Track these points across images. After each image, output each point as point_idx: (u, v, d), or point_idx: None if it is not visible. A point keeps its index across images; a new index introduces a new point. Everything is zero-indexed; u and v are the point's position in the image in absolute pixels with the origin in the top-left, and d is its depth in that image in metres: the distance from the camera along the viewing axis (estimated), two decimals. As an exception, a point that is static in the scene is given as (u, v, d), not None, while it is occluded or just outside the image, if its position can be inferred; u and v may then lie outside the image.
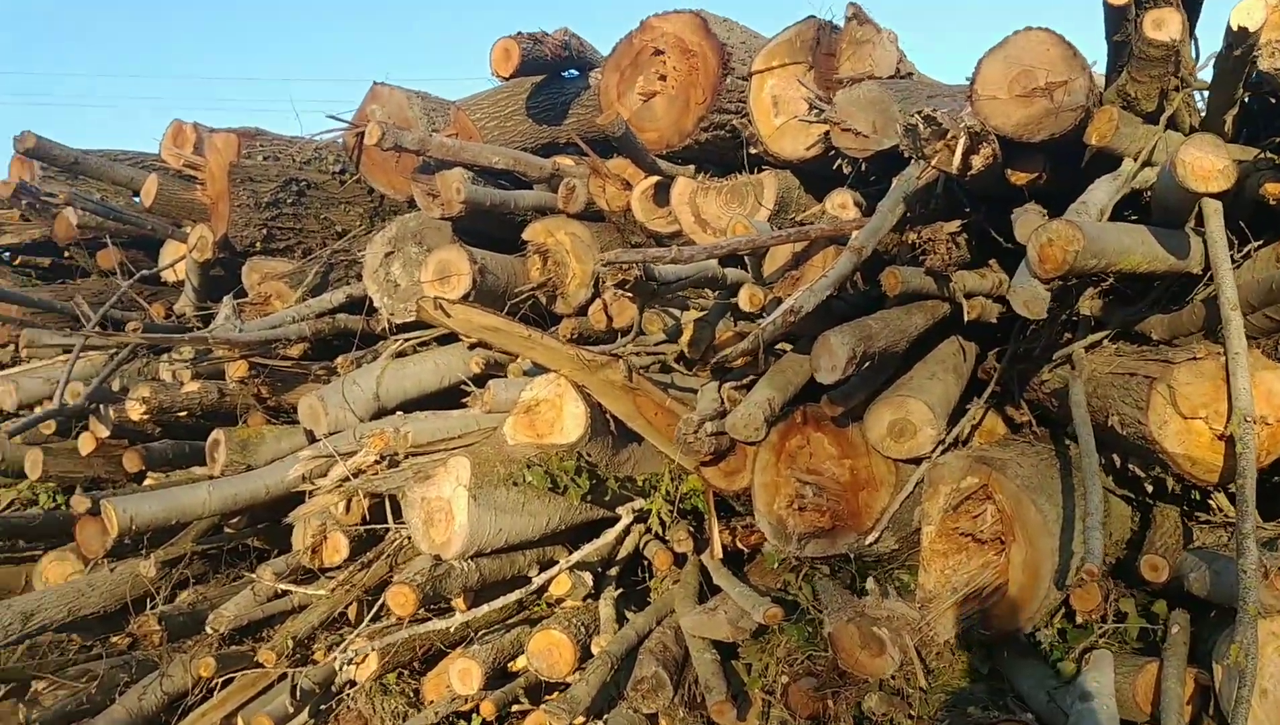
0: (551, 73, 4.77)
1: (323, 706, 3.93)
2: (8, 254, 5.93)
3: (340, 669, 3.99)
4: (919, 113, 2.69)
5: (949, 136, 2.78)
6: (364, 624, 3.70)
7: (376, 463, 3.74)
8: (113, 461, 5.02)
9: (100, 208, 4.88)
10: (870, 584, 3.12)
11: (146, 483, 4.85)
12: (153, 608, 4.24)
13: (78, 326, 5.39)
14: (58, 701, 4.49)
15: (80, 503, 4.12)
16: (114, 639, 4.79)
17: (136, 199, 5.49)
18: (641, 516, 3.95)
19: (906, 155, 2.83)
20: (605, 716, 3.60)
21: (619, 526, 3.85)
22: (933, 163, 2.76)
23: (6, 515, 4.76)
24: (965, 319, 3.12)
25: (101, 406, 4.74)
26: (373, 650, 3.51)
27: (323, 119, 4.67)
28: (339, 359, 4.57)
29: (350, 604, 3.88)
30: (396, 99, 4.67)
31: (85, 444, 4.80)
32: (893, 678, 3.03)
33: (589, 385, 3.64)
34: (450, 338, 4.76)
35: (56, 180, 5.60)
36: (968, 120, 2.81)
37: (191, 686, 4.17)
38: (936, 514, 3.01)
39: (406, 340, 4.61)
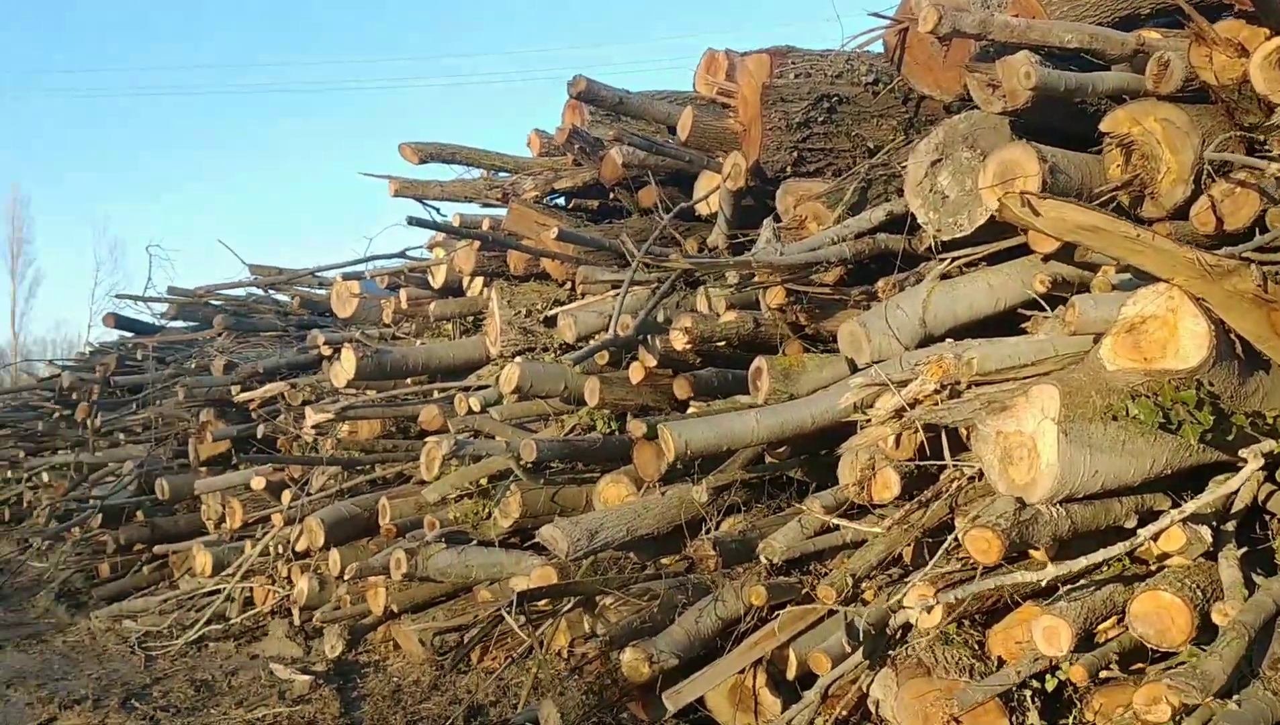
0: (1134, -74, 3.96)
1: (890, 652, 3.67)
2: (562, 199, 6.42)
3: (896, 612, 3.71)
4: None
5: None
6: (929, 567, 3.36)
7: (935, 392, 3.36)
8: (658, 390, 5.20)
9: (645, 142, 5.03)
10: None
11: (690, 411, 4.95)
12: (706, 533, 4.28)
13: (624, 263, 5.66)
14: (623, 618, 4.77)
15: (637, 427, 4.24)
16: (663, 560, 5.01)
17: (673, 136, 5.59)
18: (1273, 461, 3.15)
19: None
20: (1236, 697, 2.93)
21: (1245, 472, 3.09)
22: None
23: (572, 439, 5.12)
24: None
25: (649, 337, 4.90)
26: (948, 599, 3.15)
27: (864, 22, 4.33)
28: (879, 283, 4.25)
29: (907, 545, 3.56)
30: (944, -16, 4.17)
31: (635, 373, 5.00)
32: None
33: (1209, 297, 2.93)
34: (1001, 257, 4.23)
35: (601, 124, 5.92)
36: None
37: (744, 614, 4.16)
38: None
39: (954, 259, 4.16)
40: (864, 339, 3.97)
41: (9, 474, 12.03)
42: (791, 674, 4.18)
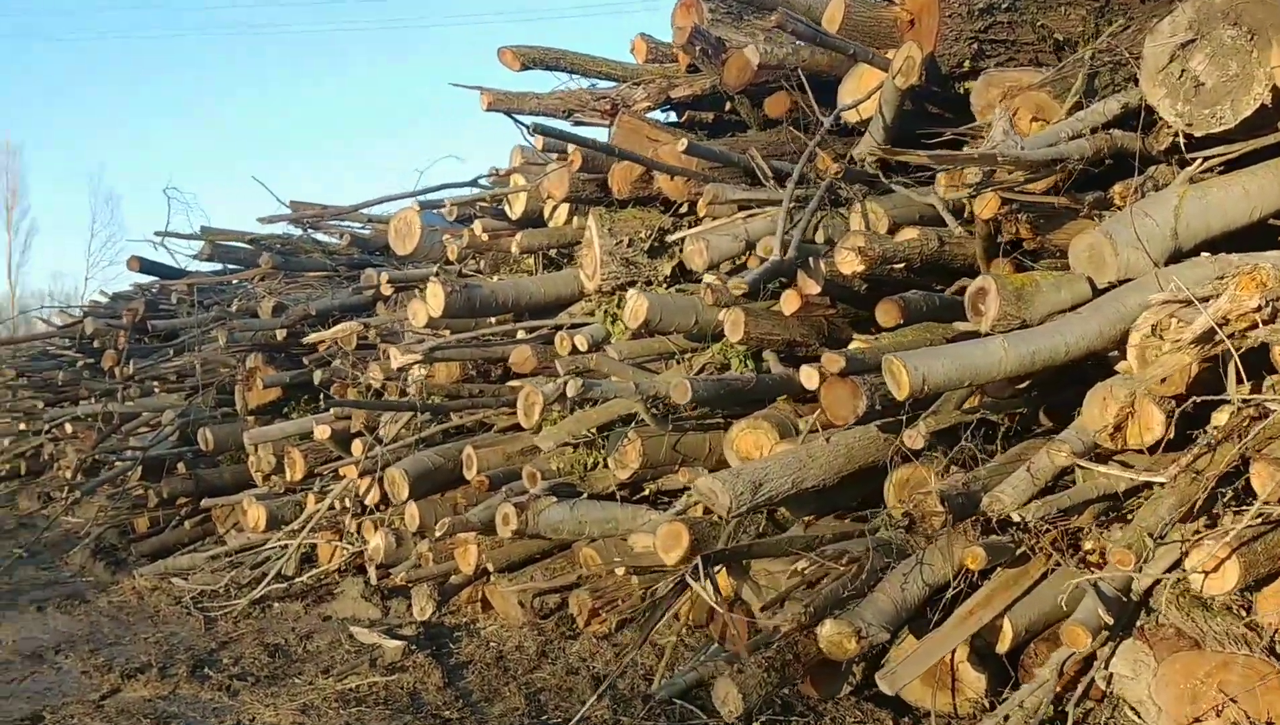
0: None
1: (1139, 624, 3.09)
2: (672, 112, 5.73)
3: (1142, 574, 3.14)
4: None
5: None
6: (1243, 523, 2.76)
7: (1256, 310, 2.74)
8: (807, 323, 4.56)
9: (810, 30, 4.31)
10: None
11: (853, 346, 4.31)
12: (888, 482, 3.66)
13: (753, 181, 5.01)
14: (775, 582, 4.19)
15: (833, 362, 3.61)
16: (805, 518, 4.42)
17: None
18: None
19: None
20: None
21: None
22: None
23: (727, 379, 4.49)
24: None
25: (809, 261, 4.26)
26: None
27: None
28: (1116, 187, 3.60)
29: (1201, 495, 2.96)
30: None
31: (789, 303, 4.35)
32: None
33: None
34: (1254, 156, 3.60)
35: (721, 23, 5.21)
36: None
37: (953, 577, 3.58)
38: None
39: (1205, 159, 3.52)
40: (1109, 253, 3.34)
41: (23, 426, 11.42)
42: (1004, 647, 3.61)
